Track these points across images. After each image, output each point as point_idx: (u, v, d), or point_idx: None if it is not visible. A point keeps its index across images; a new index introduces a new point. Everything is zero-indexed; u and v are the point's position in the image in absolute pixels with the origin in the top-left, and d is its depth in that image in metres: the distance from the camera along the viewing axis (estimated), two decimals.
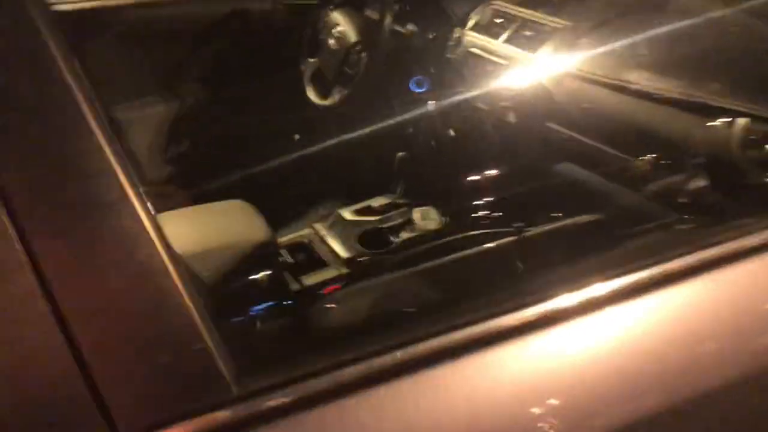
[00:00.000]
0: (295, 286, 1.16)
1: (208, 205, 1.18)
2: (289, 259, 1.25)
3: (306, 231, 1.47)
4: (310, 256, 1.33)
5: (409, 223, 1.37)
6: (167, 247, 0.58)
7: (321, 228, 1.43)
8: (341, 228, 1.42)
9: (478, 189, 1.29)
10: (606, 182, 1.11)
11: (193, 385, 0.59)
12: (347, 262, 1.24)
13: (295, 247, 1.35)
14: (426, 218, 1.34)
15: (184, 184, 1.61)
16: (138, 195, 0.57)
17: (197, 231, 1.05)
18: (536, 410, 0.69)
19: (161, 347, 0.58)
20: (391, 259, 1.20)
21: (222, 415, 0.57)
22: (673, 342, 0.75)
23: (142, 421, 0.57)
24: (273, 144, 1.70)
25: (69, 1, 1.58)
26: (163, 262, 0.57)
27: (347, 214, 1.46)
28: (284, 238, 1.44)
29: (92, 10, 1.62)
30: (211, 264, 1.00)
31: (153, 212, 0.59)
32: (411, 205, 1.43)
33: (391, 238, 1.32)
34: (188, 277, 0.60)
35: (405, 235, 1.33)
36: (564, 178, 1.15)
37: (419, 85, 1.56)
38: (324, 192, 1.69)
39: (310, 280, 1.19)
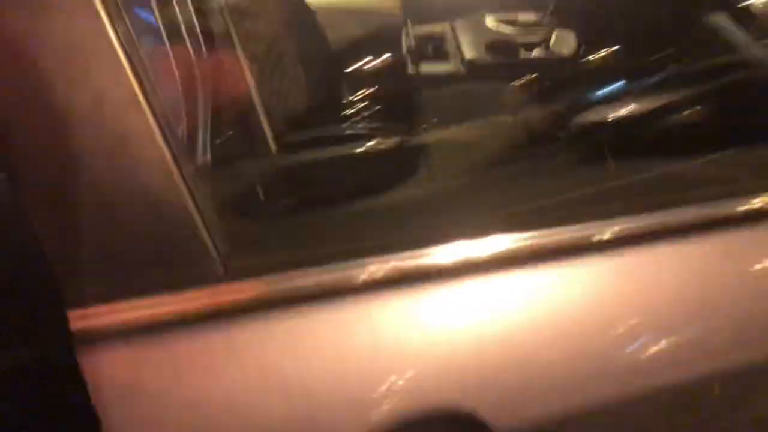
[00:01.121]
0: (410, 71, 1.20)
1: None
2: (413, 43, 1.27)
3: (445, 26, 1.47)
4: (436, 47, 1.34)
5: (544, 43, 1.33)
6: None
7: (460, 25, 1.43)
8: (478, 31, 1.40)
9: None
10: None
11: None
12: (467, 62, 1.25)
13: (426, 36, 1.37)
14: (561, 42, 1.29)
15: None
16: None
17: None
18: (382, 389, 0.59)
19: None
20: (507, 67, 1.20)
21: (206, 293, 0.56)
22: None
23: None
24: None
25: None
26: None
27: (490, 20, 1.43)
28: (420, 28, 1.45)
29: None
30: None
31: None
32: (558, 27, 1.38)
33: (521, 52, 1.30)
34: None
35: (536, 52, 1.30)
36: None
37: None
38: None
39: (427, 67, 1.22)
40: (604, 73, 1.23)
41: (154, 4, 0.68)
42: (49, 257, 0.54)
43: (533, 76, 1.14)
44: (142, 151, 0.55)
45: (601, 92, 1.04)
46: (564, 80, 1.24)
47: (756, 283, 0.68)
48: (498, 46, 1.28)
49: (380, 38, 1.19)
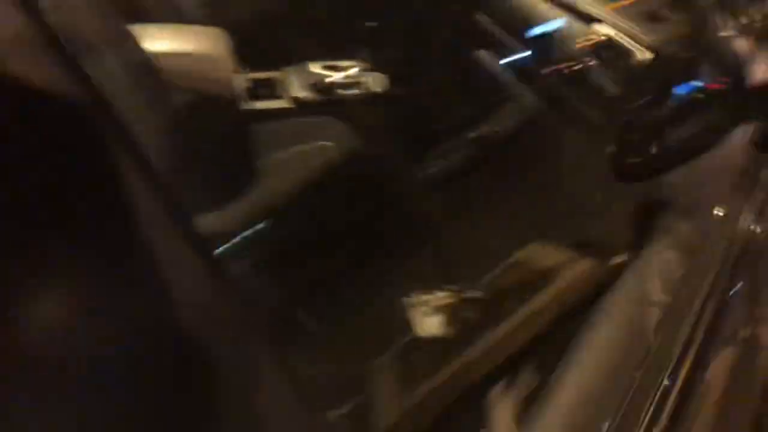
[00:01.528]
0: (248, 105, 1.40)
1: (188, 26, 1.41)
2: (251, 85, 1.48)
3: (277, 73, 1.70)
4: (270, 91, 1.56)
5: (360, 83, 1.59)
6: None
7: (288, 72, 1.66)
8: (305, 76, 1.64)
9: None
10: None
11: None
12: (295, 99, 1.48)
13: (261, 81, 1.58)
14: (374, 83, 1.56)
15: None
16: None
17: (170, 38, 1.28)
18: None
19: None
20: (330, 104, 1.44)
21: None
22: None
23: None
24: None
25: None
26: None
27: (314, 66, 1.68)
28: (257, 74, 1.66)
29: None
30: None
31: None
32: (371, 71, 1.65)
33: (340, 91, 1.54)
34: None
35: (353, 91, 1.55)
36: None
37: None
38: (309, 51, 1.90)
39: (261, 105, 1.43)
40: None
41: None
42: None
43: None
44: None
45: None
46: None
47: None
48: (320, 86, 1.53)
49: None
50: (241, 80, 1.42)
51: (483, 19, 1.31)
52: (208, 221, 1.30)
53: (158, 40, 1.32)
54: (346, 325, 1.31)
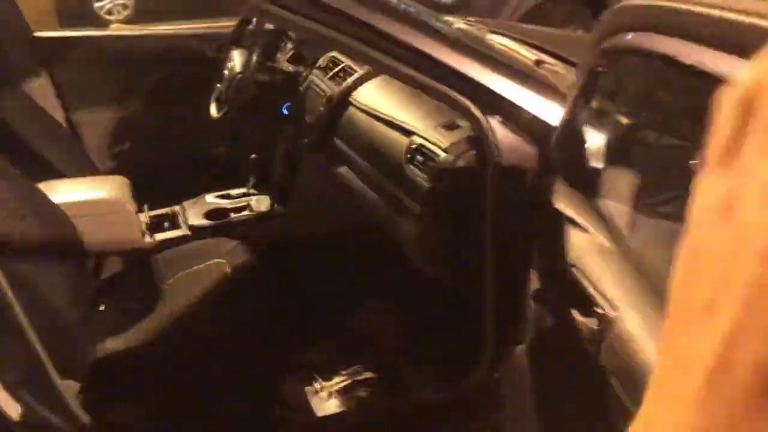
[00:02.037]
0: (148, 239, 1.64)
1: (92, 178, 1.67)
2: (152, 221, 1.73)
3: (177, 207, 1.95)
4: (170, 223, 1.81)
5: (248, 206, 1.87)
6: None
7: (187, 205, 1.92)
8: (200, 205, 1.90)
9: None
10: None
11: None
12: (191, 227, 1.74)
13: (162, 216, 1.83)
14: (259, 203, 1.84)
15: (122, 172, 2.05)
16: None
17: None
18: None
19: None
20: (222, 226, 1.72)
21: None
22: None
23: None
24: (180, 146, 2.17)
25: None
26: None
27: (209, 196, 1.95)
28: (158, 210, 1.91)
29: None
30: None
31: None
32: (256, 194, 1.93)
33: (232, 215, 1.82)
34: None
35: (243, 213, 1.82)
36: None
37: (288, 109, 2.04)
38: (205, 183, 2.17)
39: (161, 236, 1.68)
40: None
41: None
42: None
43: None
44: None
45: None
46: None
47: None
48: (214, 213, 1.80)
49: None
50: (143, 218, 1.66)
51: (340, 143, 1.60)
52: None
53: (68, 192, 1.56)
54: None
